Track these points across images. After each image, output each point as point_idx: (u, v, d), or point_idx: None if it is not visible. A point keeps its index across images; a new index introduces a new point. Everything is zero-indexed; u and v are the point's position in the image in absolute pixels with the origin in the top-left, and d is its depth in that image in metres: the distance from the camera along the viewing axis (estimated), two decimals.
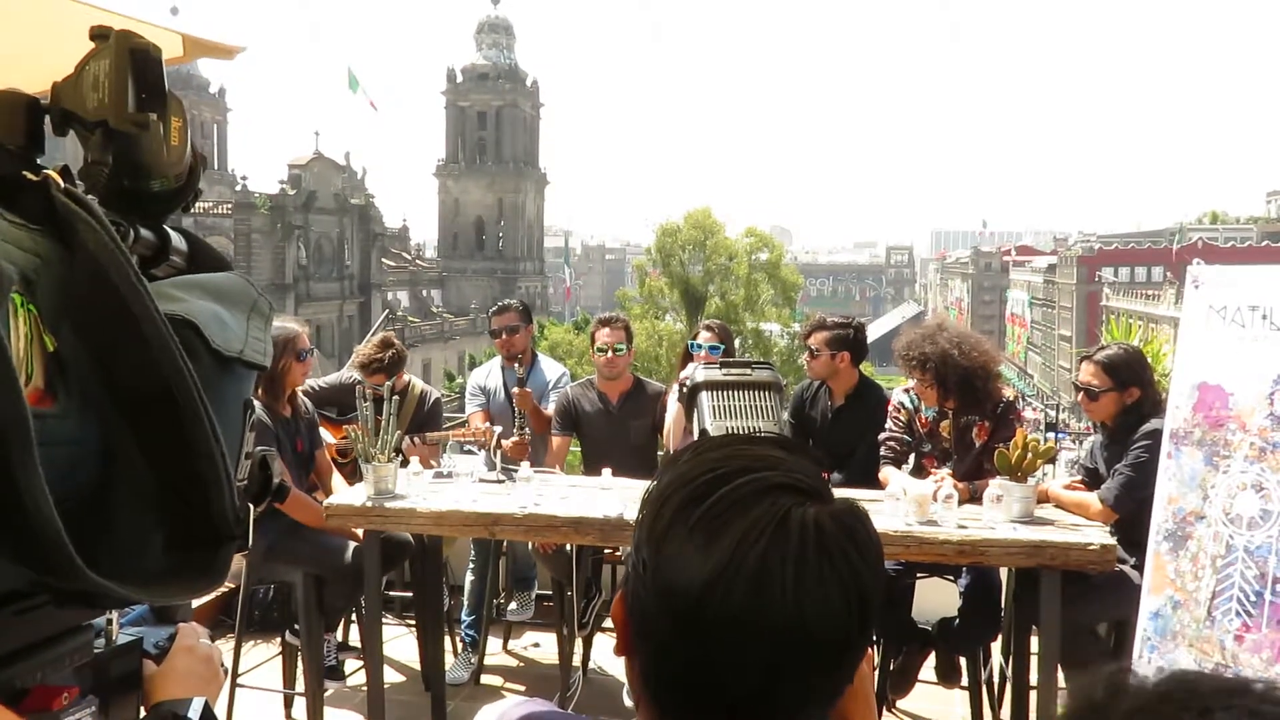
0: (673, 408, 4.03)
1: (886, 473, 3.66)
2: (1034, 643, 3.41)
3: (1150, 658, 2.94)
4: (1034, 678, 3.37)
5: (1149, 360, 3.67)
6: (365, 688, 3.67)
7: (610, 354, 4.29)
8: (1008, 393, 3.77)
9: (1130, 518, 3.26)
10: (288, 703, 3.97)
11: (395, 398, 3.80)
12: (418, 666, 4.23)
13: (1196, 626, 2.87)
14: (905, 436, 3.76)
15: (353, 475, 4.06)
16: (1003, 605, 3.65)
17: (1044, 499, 3.43)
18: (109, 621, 0.97)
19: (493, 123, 65.44)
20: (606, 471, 3.61)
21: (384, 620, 4.07)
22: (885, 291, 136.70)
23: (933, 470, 3.62)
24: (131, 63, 0.82)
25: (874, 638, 3.65)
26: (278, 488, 0.95)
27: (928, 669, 3.77)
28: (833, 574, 0.71)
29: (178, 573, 0.81)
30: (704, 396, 3.46)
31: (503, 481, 3.69)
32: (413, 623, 4.40)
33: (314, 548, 3.61)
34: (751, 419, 3.39)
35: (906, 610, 3.72)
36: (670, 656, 0.74)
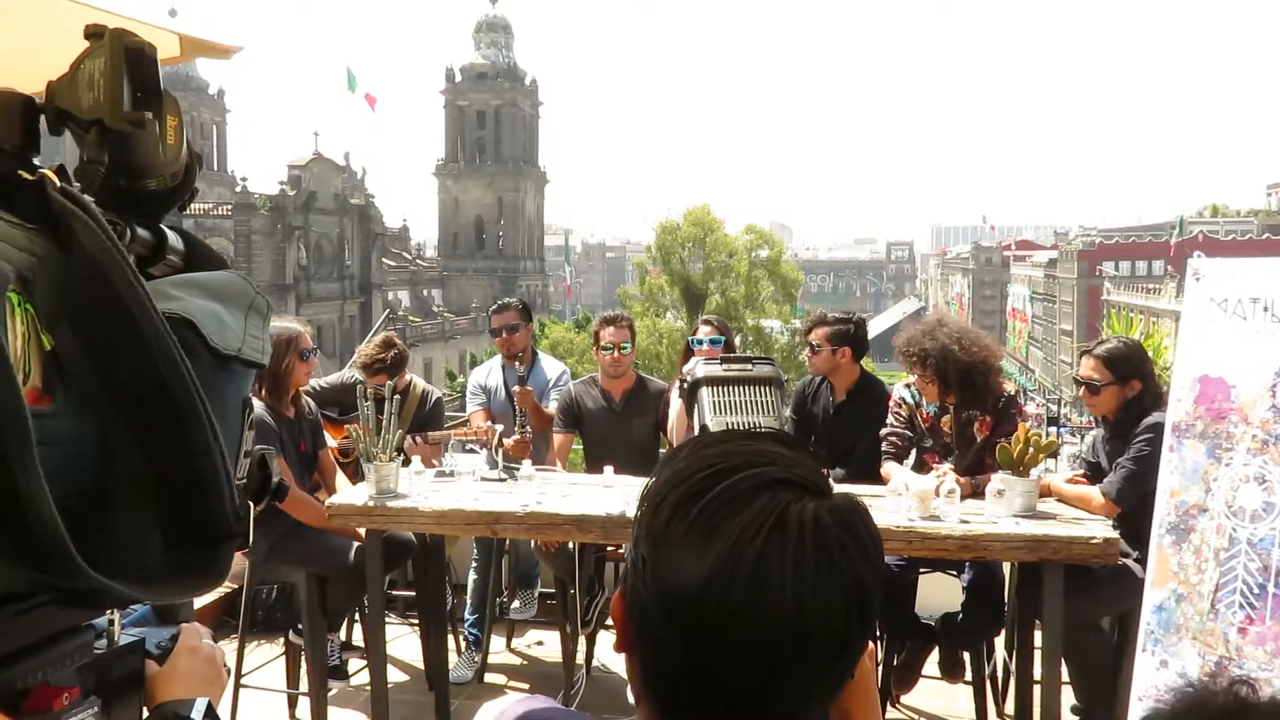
0: (676, 405, 4.03)
1: (888, 468, 3.66)
2: (1037, 637, 3.41)
3: (1153, 651, 2.94)
4: (1038, 672, 3.37)
5: (1150, 353, 3.67)
6: (369, 687, 3.68)
7: (616, 352, 4.29)
8: (1009, 387, 3.77)
9: (1133, 511, 3.26)
10: (291, 703, 3.97)
11: (396, 397, 3.80)
12: (421, 666, 4.24)
13: (1200, 620, 2.87)
14: (907, 432, 3.76)
15: (355, 475, 4.07)
16: (1006, 600, 3.65)
17: (1046, 493, 3.42)
18: (111, 622, 0.96)
19: (492, 122, 65.42)
20: (608, 469, 3.61)
21: (387, 620, 4.07)
22: (886, 287, 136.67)
23: (934, 465, 3.62)
24: (126, 61, 0.81)
25: (878, 633, 3.66)
26: (277, 486, 0.95)
27: (931, 664, 3.77)
28: (832, 570, 0.71)
29: (178, 571, 0.81)
30: (704, 392, 3.46)
31: (504, 480, 3.69)
32: (416, 622, 4.40)
33: (316, 548, 3.61)
34: (752, 414, 3.38)
35: (910, 606, 3.72)
36: (669, 653, 0.74)
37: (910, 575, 3.67)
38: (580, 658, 4.14)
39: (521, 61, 67.44)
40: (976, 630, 3.63)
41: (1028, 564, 3.28)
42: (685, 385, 3.59)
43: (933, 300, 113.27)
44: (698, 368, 3.55)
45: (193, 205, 0.96)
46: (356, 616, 4.26)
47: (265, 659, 4.34)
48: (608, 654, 4.32)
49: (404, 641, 4.57)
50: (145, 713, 0.99)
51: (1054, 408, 29.06)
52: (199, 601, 4.19)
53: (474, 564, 4.59)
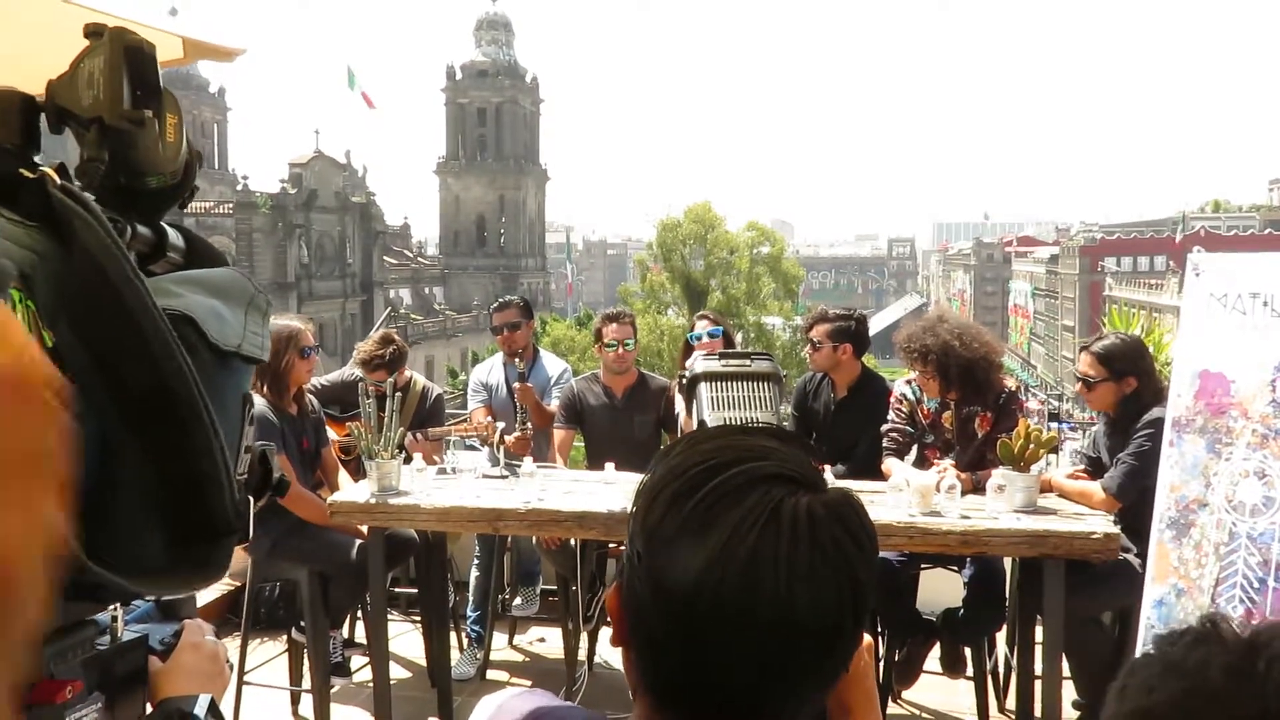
0: (683, 407, 4.03)
1: (889, 464, 3.67)
2: (1038, 632, 3.41)
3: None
4: (1039, 667, 3.38)
5: (1149, 349, 3.66)
6: (371, 684, 3.68)
7: (620, 349, 4.30)
8: (1010, 383, 3.77)
9: (1133, 506, 3.26)
10: (294, 700, 3.98)
11: (397, 394, 3.80)
12: (423, 662, 4.24)
13: (1200, 614, 2.87)
14: (907, 428, 3.76)
15: (356, 472, 4.07)
16: (1007, 595, 3.65)
17: (1047, 488, 3.42)
18: (114, 618, 0.97)
19: (493, 119, 65.36)
20: (610, 466, 3.62)
21: (389, 617, 4.08)
22: (887, 284, 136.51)
23: (935, 461, 3.63)
24: (126, 59, 0.82)
25: (879, 629, 3.67)
26: (278, 482, 0.96)
27: (933, 659, 3.77)
28: (825, 564, 0.71)
29: (178, 566, 0.81)
30: (703, 388, 3.46)
31: (506, 477, 3.69)
32: (418, 619, 4.41)
33: (319, 545, 3.62)
34: (750, 409, 3.38)
35: (911, 601, 3.72)
36: (665, 647, 0.74)
37: (911, 571, 3.67)
38: (582, 654, 4.15)
39: (522, 59, 67.38)
40: (978, 625, 3.63)
41: (1029, 559, 3.28)
42: (683, 381, 3.59)
43: (934, 296, 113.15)
44: (696, 363, 3.55)
45: (194, 203, 0.97)
46: (359, 614, 4.27)
47: (268, 656, 4.35)
48: (610, 650, 4.32)
49: (406, 639, 4.58)
50: (148, 709, 1.00)
51: (1056, 403, 29.01)
52: (202, 598, 4.20)
53: (476, 561, 4.60)
